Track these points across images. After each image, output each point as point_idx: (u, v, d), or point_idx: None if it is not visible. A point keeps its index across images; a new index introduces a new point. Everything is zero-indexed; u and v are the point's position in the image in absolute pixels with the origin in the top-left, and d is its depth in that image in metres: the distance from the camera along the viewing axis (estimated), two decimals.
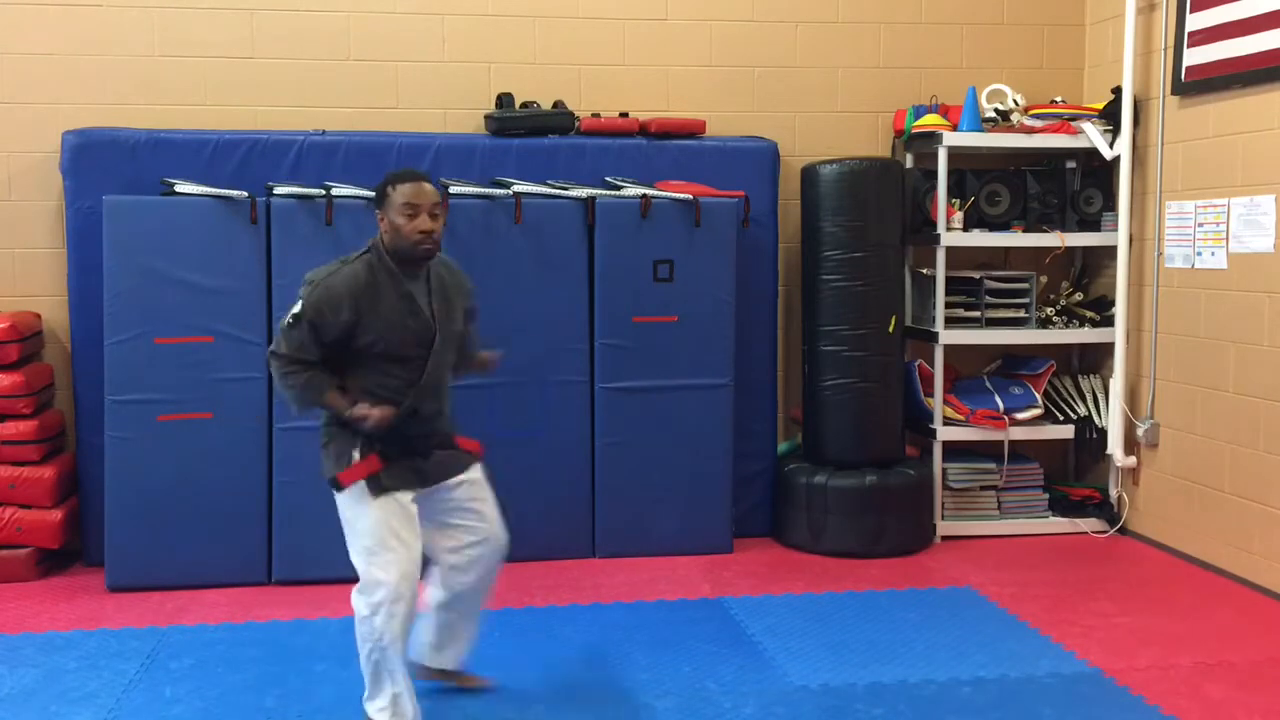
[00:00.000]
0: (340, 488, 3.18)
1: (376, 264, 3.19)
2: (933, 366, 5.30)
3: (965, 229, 5.34)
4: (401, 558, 3.16)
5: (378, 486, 3.16)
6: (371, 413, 3.09)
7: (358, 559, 3.19)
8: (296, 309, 3.16)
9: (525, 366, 4.74)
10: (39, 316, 5.02)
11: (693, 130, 5.27)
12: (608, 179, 5.09)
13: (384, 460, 3.18)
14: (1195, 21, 4.87)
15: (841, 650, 3.95)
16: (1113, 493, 5.44)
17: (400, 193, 3.14)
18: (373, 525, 3.16)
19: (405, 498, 3.22)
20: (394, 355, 3.19)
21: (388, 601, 3.13)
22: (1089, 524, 5.41)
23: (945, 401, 5.33)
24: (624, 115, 5.29)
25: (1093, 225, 5.49)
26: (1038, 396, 5.43)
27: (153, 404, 4.58)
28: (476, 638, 3.59)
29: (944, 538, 5.30)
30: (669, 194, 4.95)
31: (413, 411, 3.20)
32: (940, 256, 5.23)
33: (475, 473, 3.41)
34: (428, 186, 3.18)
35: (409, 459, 3.23)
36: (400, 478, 3.21)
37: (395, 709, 3.22)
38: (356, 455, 3.17)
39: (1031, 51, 5.72)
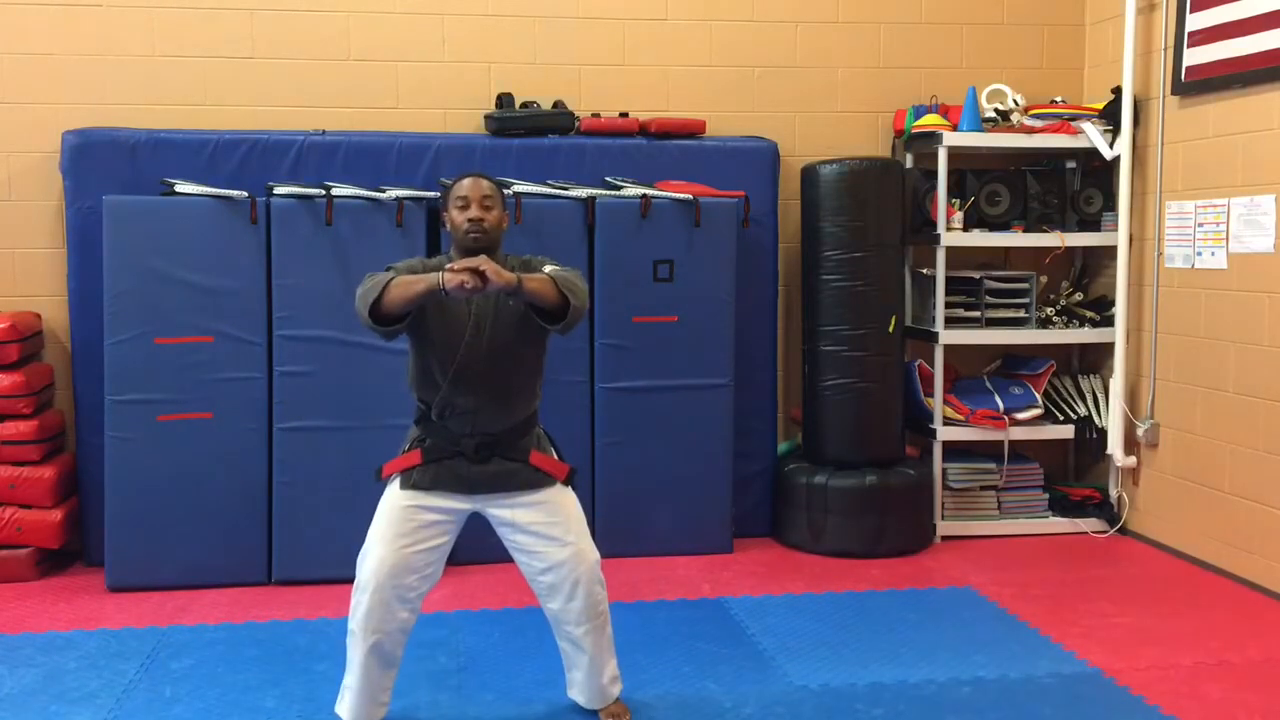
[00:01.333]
0: (379, 478, 3.27)
1: (445, 260, 3.26)
2: (933, 366, 5.29)
3: (965, 229, 5.34)
4: (375, 554, 3.16)
5: (408, 480, 3.21)
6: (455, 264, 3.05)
7: None
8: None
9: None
10: (39, 316, 5.02)
11: (693, 130, 5.27)
12: (608, 179, 5.09)
13: (425, 457, 3.21)
14: (1195, 21, 4.87)
15: (841, 650, 3.95)
16: (1113, 493, 5.44)
17: (454, 189, 3.26)
18: (378, 514, 3.23)
19: (435, 500, 3.19)
20: (434, 342, 3.20)
21: (355, 590, 3.20)
22: (1089, 524, 5.41)
23: (945, 401, 5.33)
24: (624, 115, 5.29)
25: (1093, 225, 5.49)
26: (1038, 396, 5.43)
27: (153, 404, 4.58)
28: (603, 678, 3.37)
29: (944, 538, 5.30)
30: (669, 194, 4.95)
31: (447, 404, 3.19)
32: (940, 256, 5.23)
33: (545, 495, 3.26)
34: (483, 180, 3.26)
35: (452, 460, 3.21)
36: (437, 478, 3.20)
37: (342, 699, 3.30)
38: (405, 448, 3.27)
39: (1031, 51, 5.72)
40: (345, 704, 3.28)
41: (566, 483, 3.31)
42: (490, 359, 3.19)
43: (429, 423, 3.25)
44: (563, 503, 3.28)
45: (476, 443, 3.20)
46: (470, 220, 3.20)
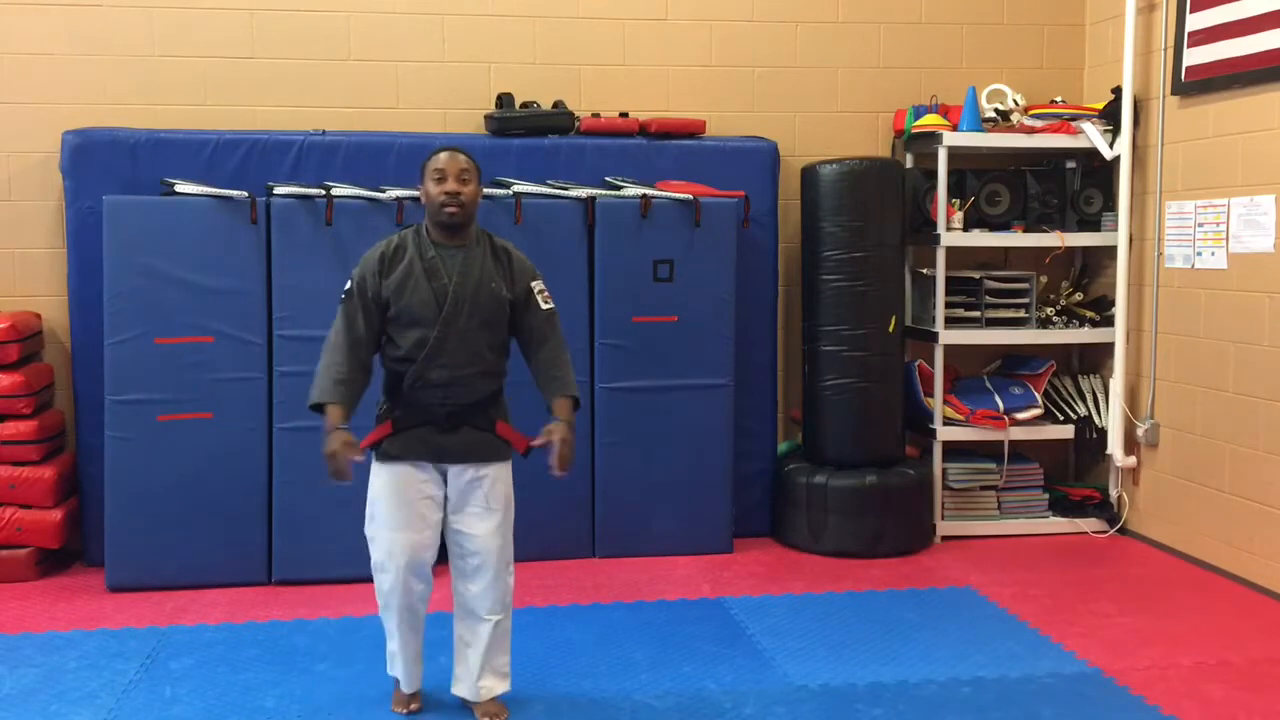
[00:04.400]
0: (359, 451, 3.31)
1: (415, 233, 3.34)
2: (933, 366, 5.30)
3: (965, 229, 5.34)
4: (384, 533, 3.29)
5: (380, 452, 3.29)
6: (334, 454, 3.17)
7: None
8: (348, 285, 3.31)
9: (525, 366, 4.74)
10: (39, 316, 5.02)
11: (693, 130, 5.27)
12: (608, 179, 5.09)
13: (396, 427, 3.27)
14: (1195, 21, 4.87)
15: (841, 650, 3.95)
16: (1113, 493, 5.44)
17: (431, 161, 3.31)
18: (373, 492, 3.32)
19: (413, 470, 3.26)
20: (409, 319, 3.24)
21: (377, 570, 3.32)
22: (1089, 524, 5.41)
23: (945, 401, 5.33)
24: (624, 115, 5.29)
25: (1093, 225, 5.49)
26: (1038, 396, 5.43)
27: (153, 404, 4.58)
28: (488, 671, 3.37)
29: (944, 538, 5.30)
30: (669, 194, 4.95)
31: (420, 377, 3.23)
32: (940, 256, 5.23)
33: (491, 470, 3.31)
34: (459, 154, 3.32)
35: (422, 428, 3.26)
36: (407, 447, 3.27)
37: (391, 661, 3.43)
38: (377, 420, 3.33)
39: (1031, 51, 5.72)
40: (398, 668, 3.41)
41: (526, 454, 3.35)
42: (465, 335, 3.24)
43: (399, 393, 3.29)
44: (495, 482, 3.32)
45: (447, 412, 3.26)
46: (446, 193, 3.25)
